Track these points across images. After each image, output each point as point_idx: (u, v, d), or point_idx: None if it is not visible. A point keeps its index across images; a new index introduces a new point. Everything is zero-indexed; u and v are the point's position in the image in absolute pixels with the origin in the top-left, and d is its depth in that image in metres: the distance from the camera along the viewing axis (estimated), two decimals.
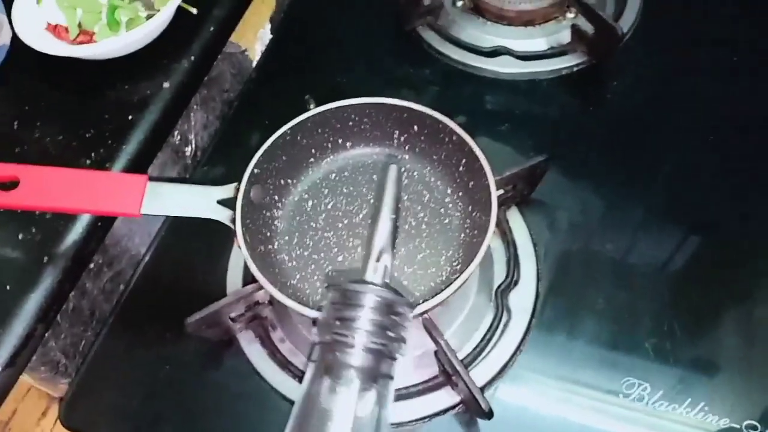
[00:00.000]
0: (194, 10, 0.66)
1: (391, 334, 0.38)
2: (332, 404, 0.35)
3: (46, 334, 0.56)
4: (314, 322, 0.40)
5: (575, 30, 0.72)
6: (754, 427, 0.50)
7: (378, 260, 0.46)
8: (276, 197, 0.57)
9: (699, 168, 0.64)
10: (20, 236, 0.56)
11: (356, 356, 0.36)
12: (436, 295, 0.47)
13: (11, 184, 0.49)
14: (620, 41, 0.69)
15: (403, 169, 0.58)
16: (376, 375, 0.36)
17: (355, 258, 0.53)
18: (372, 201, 0.55)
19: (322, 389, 0.36)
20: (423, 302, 0.47)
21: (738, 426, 0.50)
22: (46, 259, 0.55)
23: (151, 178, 0.50)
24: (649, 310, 0.56)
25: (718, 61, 0.71)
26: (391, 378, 0.38)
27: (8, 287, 0.54)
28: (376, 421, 0.35)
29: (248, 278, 0.60)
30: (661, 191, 0.63)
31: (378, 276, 0.45)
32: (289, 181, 0.58)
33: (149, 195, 0.50)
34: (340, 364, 0.36)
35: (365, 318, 0.36)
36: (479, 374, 0.54)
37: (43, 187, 0.49)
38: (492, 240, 0.52)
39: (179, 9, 0.66)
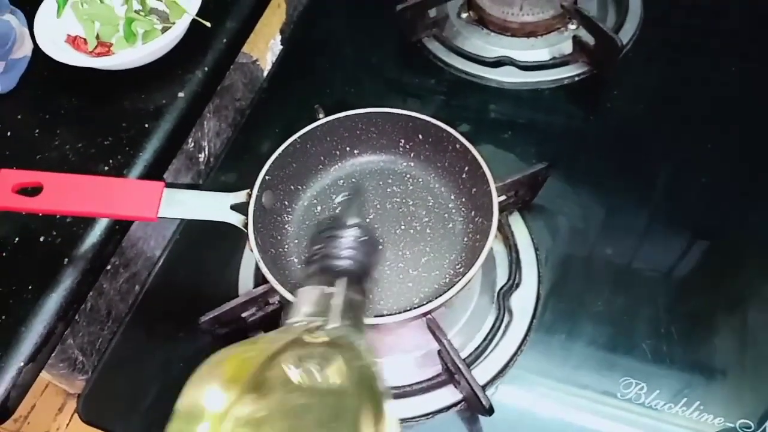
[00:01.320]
0: (208, 24, 0.69)
1: (370, 252, 0.42)
2: (323, 302, 0.38)
3: (65, 333, 0.58)
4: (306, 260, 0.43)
5: (576, 41, 0.74)
6: (748, 426, 0.52)
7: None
8: (286, 202, 0.60)
9: (697, 175, 0.66)
10: (41, 239, 0.59)
11: (344, 261, 0.40)
12: (439, 296, 0.49)
13: (34, 190, 0.51)
14: (620, 52, 0.71)
15: (408, 176, 0.61)
16: (359, 284, 0.40)
17: None
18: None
19: (314, 294, 0.39)
20: (427, 303, 0.49)
21: (732, 425, 0.52)
22: (66, 260, 0.57)
23: (168, 185, 0.53)
24: (647, 313, 0.58)
25: (716, 71, 0.73)
26: (368, 297, 0.41)
27: (30, 287, 0.56)
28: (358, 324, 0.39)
29: (259, 280, 0.62)
30: (660, 197, 0.65)
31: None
32: (299, 186, 0.61)
33: (166, 200, 0.52)
34: (329, 268, 0.40)
35: (349, 237, 0.41)
36: (481, 373, 0.55)
37: (66, 193, 0.52)
38: (494, 244, 0.53)
39: (193, 21, 0.68)
